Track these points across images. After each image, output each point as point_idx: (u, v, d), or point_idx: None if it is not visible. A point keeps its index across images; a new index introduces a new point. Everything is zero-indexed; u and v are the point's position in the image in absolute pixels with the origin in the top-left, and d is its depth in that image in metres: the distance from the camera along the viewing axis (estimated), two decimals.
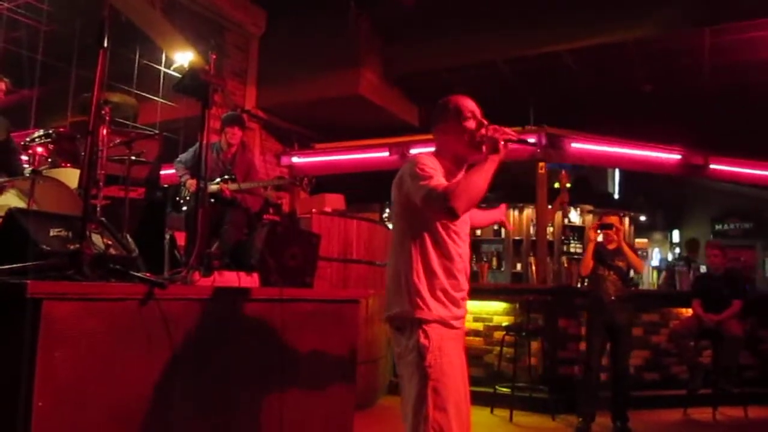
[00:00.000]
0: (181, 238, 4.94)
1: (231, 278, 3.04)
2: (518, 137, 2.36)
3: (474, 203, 2.21)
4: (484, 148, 2.32)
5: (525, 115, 8.13)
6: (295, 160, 8.61)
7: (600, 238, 5.14)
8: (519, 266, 9.57)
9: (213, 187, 4.91)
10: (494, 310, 6.30)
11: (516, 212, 9.82)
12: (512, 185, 9.39)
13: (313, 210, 5.86)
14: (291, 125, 8.90)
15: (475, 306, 6.36)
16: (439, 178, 2.24)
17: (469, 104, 2.43)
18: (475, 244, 9.99)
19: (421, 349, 2.24)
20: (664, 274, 8.88)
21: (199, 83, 3.18)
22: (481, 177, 2.22)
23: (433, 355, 2.23)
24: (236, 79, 8.13)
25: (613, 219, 5.19)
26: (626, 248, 5.06)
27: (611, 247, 5.11)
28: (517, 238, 9.72)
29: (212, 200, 4.88)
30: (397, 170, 2.42)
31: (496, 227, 9.89)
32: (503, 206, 2.88)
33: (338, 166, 8.01)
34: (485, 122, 2.39)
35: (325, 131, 8.83)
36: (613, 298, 5.02)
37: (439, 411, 2.20)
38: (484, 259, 9.72)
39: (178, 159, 5.39)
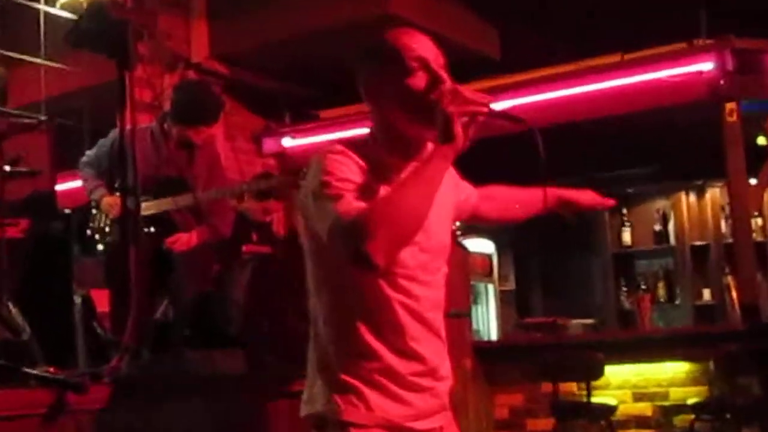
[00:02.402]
0: (102, 300, 4.99)
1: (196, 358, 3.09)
2: (496, 111, 2.30)
3: (404, 241, 2.23)
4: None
5: (693, 23, 8.00)
6: (287, 142, 8.67)
7: None
8: (707, 293, 9.46)
9: (151, 205, 4.96)
10: (670, 378, 6.27)
11: (692, 196, 9.73)
12: (678, 150, 9.28)
13: None
14: (275, 82, 8.93)
15: (633, 372, 6.34)
16: (351, 198, 2.23)
17: (418, 44, 2.40)
18: (624, 261, 9.93)
19: None
20: None
21: (109, 27, 3.22)
22: (418, 191, 2.22)
23: None
24: (172, 12, 8.18)
25: None
26: None
27: None
28: (698, 243, 9.61)
29: (151, 228, 4.92)
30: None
31: (657, 226, 9.82)
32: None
33: None
34: (444, 78, 2.35)
35: (336, 89, 8.83)
36: None
37: None
38: (643, 287, 9.62)
39: (85, 160, 5.45)
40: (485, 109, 2.27)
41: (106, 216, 5.16)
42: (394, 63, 2.38)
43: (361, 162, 2.32)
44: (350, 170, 2.29)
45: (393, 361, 2.34)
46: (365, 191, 2.25)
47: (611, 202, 3.04)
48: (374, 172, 2.32)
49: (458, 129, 2.22)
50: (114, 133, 5.03)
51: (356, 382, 2.32)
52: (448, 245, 2.52)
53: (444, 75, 2.37)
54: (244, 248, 5.65)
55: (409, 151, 2.39)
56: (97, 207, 5.23)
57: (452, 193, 2.60)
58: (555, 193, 2.88)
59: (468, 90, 2.28)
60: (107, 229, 5.16)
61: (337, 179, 2.25)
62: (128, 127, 3.26)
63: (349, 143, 2.37)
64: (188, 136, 5.13)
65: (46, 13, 7.67)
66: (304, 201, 2.36)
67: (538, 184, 2.77)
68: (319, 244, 2.32)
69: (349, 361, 2.34)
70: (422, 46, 2.40)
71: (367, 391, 2.32)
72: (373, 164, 2.34)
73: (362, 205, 2.19)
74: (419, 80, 2.35)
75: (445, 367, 2.48)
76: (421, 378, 2.38)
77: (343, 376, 2.33)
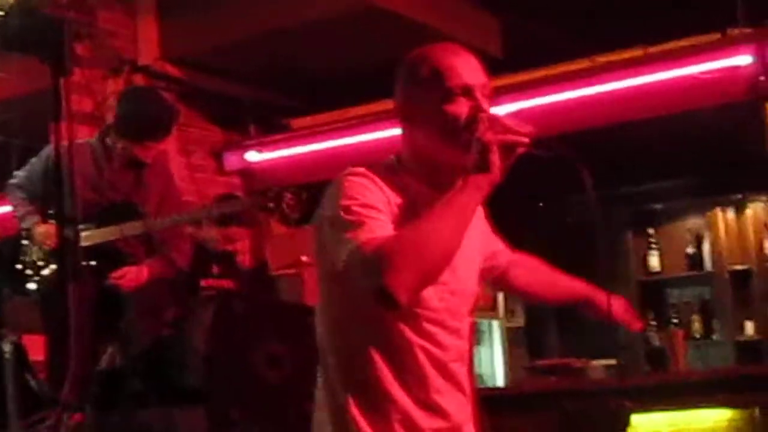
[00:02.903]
0: (36, 347, 4.96)
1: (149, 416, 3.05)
2: (539, 142, 2.39)
3: (431, 277, 2.32)
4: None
5: (727, 9, 8.02)
6: (253, 157, 8.66)
7: None
8: (750, 327, 9.46)
9: (94, 234, 4.93)
10: (709, 428, 6.25)
11: (729, 213, 9.76)
12: (713, 159, 9.31)
13: (304, 258, 5.84)
14: (238, 88, 8.93)
15: (665, 422, 6.32)
16: (373, 226, 2.32)
17: (463, 67, 2.52)
18: (652, 290, 9.98)
19: None
20: None
21: (41, 25, 3.20)
22: (448, 223, 2.30)
23: None
24: (116, 8, 8.17)
25: None
26: None
27: None
28: (738, 267, 9.63)
29: (94, 262, 4.90)
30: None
31: (690, 249, 9.83)
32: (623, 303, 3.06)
33: (344, 160, 8.03)
34: (483, 107, 2.47)
35: (310, 94, 8.85)
36: None
37: None
38: (675, 321, 9.62)
39: (14, 182, 5.44)
40: (526, 140, 2.37)
41: (40, 248, 5.14)
42: (433, 84, 2.49)
43: (385, 187, 2.41)
44: (373, 196, 2.38)
45: (414, 414, 2.43)
46: (389, 220, 2.34)
47: (640, 325, 3.20)
48: (400, 200, 2.42)
49: (495, 159, 2.31)
50: (48, 150, 5.02)
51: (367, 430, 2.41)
52: (475, 291, 2.64)
53: (486, 103, 2.48)
54: (204, 283, 5.63)
55: (440, 181, 2.47)
56: (29, 237, 5.21)
57: (482, 237, 2.74)
58: (587, 291, 3.04)
59: (508, 118, 2.39)
60: (41, 263, 5.14)
61: (359, 204, 2.34)
62: (65, 142, 3.23)
63: (372, 166, 2.46)
64: (135, 152, 5.12)
65: None
66: (319, 227, 2.45)
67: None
68: (335, 276, 2.41)
69: (364, 410, 2.41)
70: (467, 70, 2.52)
71: None
72: (398, 191, 2.44)
73: (385, 234, 2.27)
74: (459, 107, 2.45)
75: (470, 427, 2.58)
76: None
77: (359, 426, 2.40)
